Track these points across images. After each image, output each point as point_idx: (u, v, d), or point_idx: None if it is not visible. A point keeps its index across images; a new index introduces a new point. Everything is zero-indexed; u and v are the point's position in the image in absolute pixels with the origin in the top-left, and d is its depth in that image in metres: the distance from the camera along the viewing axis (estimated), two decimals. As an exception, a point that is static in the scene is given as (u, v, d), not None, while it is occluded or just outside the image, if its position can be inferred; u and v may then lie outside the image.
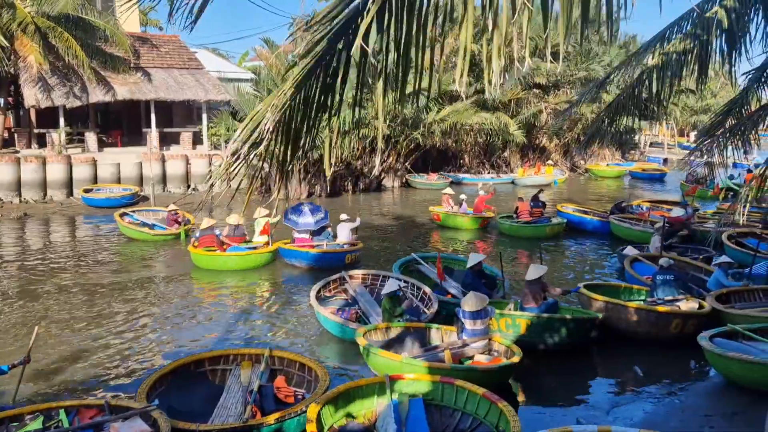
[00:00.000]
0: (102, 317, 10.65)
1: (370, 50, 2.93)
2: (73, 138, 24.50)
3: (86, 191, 21.53)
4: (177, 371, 7.28)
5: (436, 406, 6.72)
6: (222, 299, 11.98)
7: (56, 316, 10.67)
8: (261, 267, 13.85)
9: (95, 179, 22.54)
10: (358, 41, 2.82)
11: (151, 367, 8.54)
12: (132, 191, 21.96)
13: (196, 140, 26.39)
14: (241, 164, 3.51)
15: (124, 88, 24.25)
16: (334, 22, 3.19)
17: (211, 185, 3.68)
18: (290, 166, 3.60)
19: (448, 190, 20.17)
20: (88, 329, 10.08)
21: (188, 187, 24.10)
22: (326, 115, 3.54)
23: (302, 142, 3.56)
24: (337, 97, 3.51)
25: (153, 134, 24.88)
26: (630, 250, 14.13)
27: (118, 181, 22.84)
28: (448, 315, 9.68)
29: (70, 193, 22.08)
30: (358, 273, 11.86)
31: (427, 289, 10.73)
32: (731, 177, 25.32)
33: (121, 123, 28.70)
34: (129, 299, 11.66)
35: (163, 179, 23.71)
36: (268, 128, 3.25)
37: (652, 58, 7.72)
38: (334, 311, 9.98)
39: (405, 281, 11.21)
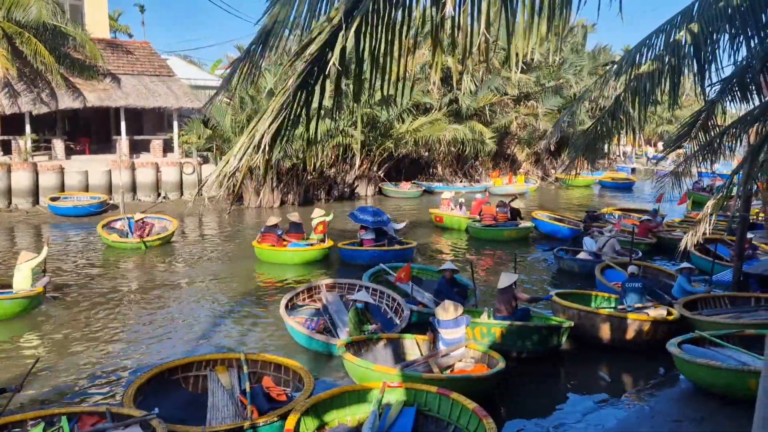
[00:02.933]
0: (78, 327, 10.45)
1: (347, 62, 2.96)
2: (40, 145, 23.96)
3: (53, 199, 21.08)
4: (152, 380, 7.27)
5: (432, 417, 6.75)
6: (197, 306, 11.80)
7: (27, 326, 10.41)
8: (317, 262, 14.91)
9: (62, 187, 22.09)
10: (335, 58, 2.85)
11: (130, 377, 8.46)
12: (100, 199, 21.55)
13: (167, 148, 26.06)
14: (234, 179, 3.54)
15: (94, 94, 23.85)
16: (314, 43, 3.22)
17: (199, 192, 3.67)
18: (272, 174, 3.61)
19: (446, 194, 21.24)
20: (63, 340, 9.87)
21: (158, 195, 23.76)
22: (304, 125, 3.56)
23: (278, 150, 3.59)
24: (316, 104, 3.52)
25: (123, 141, 24.50)
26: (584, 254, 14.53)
27: (86, 189, 22.41)
28: (420, 324, 9.71)
29: (36, 202, 21.60)
30: (331, 282, 11.81)
31: (399, 298, 10.72)
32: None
33: (89, 130, 28.17)
34: (112, 307, 11.48)
35: (133, 187, 23.34)
36: (265, 147, 3.29)
37: (627, 80, 8.01)
38: (302, 321, 9.90)
39: (377, 290, 11.19)
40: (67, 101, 23.17)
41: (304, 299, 11.22)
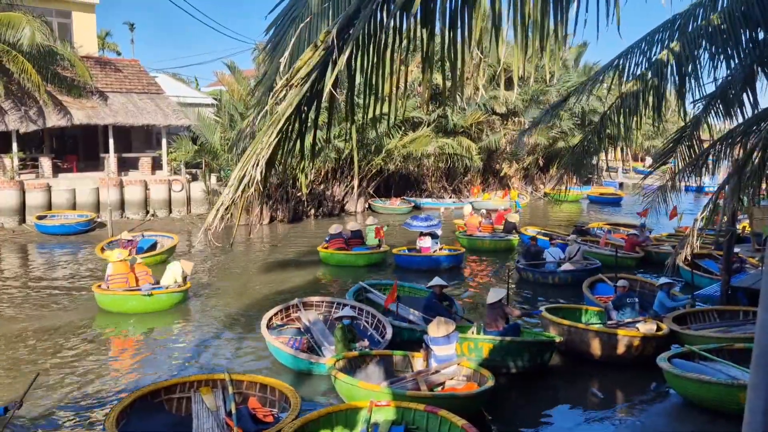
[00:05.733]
0: (58, 348, 10.29)
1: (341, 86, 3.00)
2: (27, 163, 23.77)
3: (40, 218, 20.88)
4: (135, 403, 7.14)
5: None
6: (179, 326, 11.69)
7: (9, 345, 10.26)
8: (374, 264, 16.50)
9: (49, 205, 21.90)
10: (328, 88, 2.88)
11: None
12: (88, 218, 21.37)
13: (156, 165, 25.97)
14: (233, 206, 3.60)
15: (82, 112, 23.76)
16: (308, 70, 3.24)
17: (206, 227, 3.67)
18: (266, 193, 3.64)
19: (467, 208, 22.34)
20: (43, 362, 9.73)
21: (147, 212, 23.63)
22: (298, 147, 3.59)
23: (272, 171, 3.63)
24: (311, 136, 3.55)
25: (111, 159, 24.39)
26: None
27: (74, 207, 22.23)
28: (410, 341, 9.66)
29: (23, 220, 21.38)
30: (312, 300, 11.67)
31: (380, 315, 10.67)
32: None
33: (77, 148, 28.04)
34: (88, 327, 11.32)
35: (121, 205, 23.19)
36: (257, 178, 3.39)
37: (613, 97, 8.14)
38: (286, 341, 9.79)
39: (355, 307, 11.05)
40: (54, 119, 23.04)
41: (283, 318, 11.05)
